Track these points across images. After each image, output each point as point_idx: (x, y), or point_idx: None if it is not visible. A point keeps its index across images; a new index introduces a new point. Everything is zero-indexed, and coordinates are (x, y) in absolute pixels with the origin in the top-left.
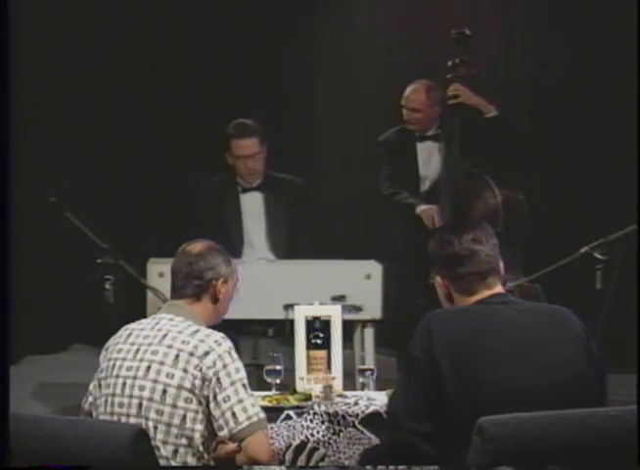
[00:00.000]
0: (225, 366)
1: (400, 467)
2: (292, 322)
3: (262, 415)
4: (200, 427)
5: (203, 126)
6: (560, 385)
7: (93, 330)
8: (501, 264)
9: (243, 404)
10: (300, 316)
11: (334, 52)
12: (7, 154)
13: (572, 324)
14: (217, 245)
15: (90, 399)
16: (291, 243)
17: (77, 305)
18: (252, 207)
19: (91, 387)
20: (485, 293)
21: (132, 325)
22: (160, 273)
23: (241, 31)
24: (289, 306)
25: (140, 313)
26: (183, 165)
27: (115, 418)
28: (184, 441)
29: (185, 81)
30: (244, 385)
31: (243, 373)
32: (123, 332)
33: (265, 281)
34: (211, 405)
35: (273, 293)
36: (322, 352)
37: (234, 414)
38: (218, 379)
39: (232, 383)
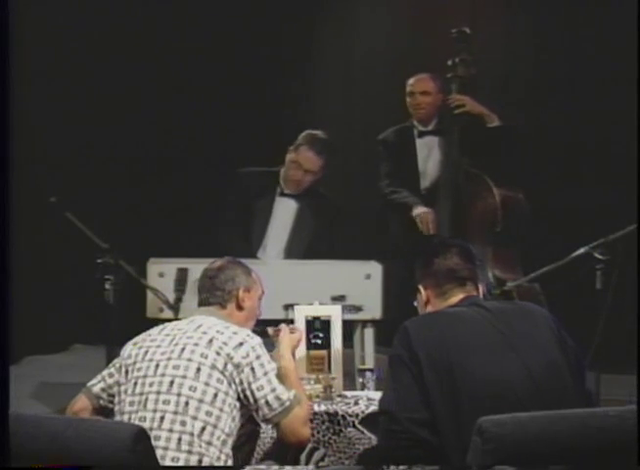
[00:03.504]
0: (258, 357)
1: (401, 467)
2: (292, 322)
3: (292, 396)
4: (227, 409)
5: (203, 127)
6: (533, 371)
7: (93, 330)
8: (480, 281)
9: (275, 393)
10: (300, 316)
11: (334, 52)
12: (7, 154)
13: (541, 317)
14: (236, 259)
15: (102, 384)
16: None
17: (77, 305)
18: (284, 213)
19: (105, 373)
20: (460, 296)
21: (166, 323)
22: (160, 273)
23: (240, 31)
24: (289, 306)
25: (140, 313)
26: (184, 165)
27: (144, 397)
28: (213, 419)
29: (185, 81)
30: (275, 375)
31: (274, 364)
32: (156, 328)
33: (265, 281)
34: (247, 392)
35: (273, 293)
36: (322, 352)
37: (267, 402)
38: (252, 369)
39: (265, 373)
